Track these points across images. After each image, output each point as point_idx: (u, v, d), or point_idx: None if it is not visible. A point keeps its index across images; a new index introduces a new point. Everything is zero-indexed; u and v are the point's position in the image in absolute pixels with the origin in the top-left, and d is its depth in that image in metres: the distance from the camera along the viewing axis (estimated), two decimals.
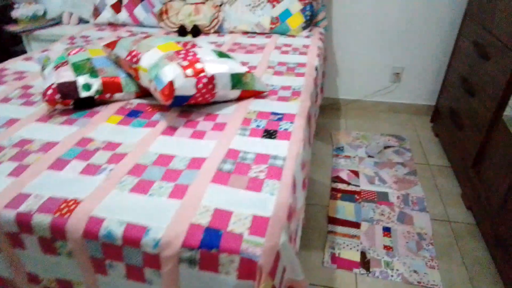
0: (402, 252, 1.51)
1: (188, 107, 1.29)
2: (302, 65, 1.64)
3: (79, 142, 1.09)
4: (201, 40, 1.97)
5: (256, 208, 0.85)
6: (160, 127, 1.16)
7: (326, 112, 2.62)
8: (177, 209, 0.84)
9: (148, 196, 0.88)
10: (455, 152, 1.95)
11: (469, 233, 1.62)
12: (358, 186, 1.88)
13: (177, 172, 0.96)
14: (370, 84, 2.55)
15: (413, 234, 1.60)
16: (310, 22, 2.04)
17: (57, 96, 1.20)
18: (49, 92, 1.20)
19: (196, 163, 0.99)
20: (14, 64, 1.67)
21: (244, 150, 1.05)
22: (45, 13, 2.37)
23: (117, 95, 1.30)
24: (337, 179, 1.93)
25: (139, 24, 2.19)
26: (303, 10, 2.00)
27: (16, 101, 1.34)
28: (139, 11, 2.15)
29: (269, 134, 1.12)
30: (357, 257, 1.49)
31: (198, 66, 1.19)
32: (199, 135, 1.12)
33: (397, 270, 1.43)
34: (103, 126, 1.17)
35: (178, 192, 0.89)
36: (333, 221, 1.67)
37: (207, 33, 2.08)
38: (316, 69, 1.63)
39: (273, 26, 2.03)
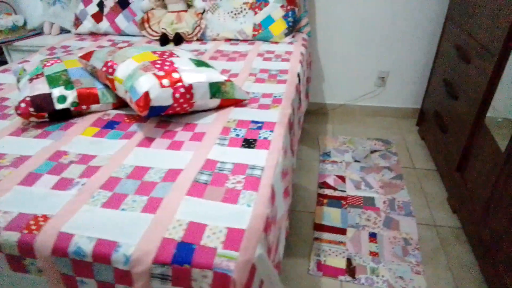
0: (388, 258, 1.50)
1: (166, 117, 1.27)
2: (284, 71, 1.62)
3: (53, 156, 1.06)
4: (183, 48, 1.96)
5: (231, 220, 0.83)
6: (136, 139, 1.14)
7: (313, 117, 2.61)
8: (150, 224, 0.82)
9: (120, 211, 0.85)
10: (440, 156, 1.95)
11: (455, 237, 1.61)
12: (345, 191, 1.87)
13: (152, 185, 0.94)
14: (356, 88, 2.55)
15: (399, 239, 1.58)
16: (293, 28, 2.03)
17: (31, 109, 1.18)
18: (23, 105, 1.17)
19: (171, 175, 0.97)
20: None
21: (222, 160, 1.03)
22: (25, 23, 2.34)
23: (94, 106, 1.28)
24: (324, 184, 1.92)
25: (121, 33, 2.17)
26: (285, 17, 2.00)
27: None
28: (120, 20, 2.13)
29: (248, 143, 1.11)
30: (342, 264, 1.47)
31: (175, 75, 1.17)
32: (176, 146, 1.10)
33: (383, 276, 1.42)
34: (78, 138, 1.15)
35: (152, 206, 0.87)
36: (319, 227, 1.65)
37: (189, 41, 2.06)
38: (299, 75, 1.62)
39: (256, 33, 2.02)
